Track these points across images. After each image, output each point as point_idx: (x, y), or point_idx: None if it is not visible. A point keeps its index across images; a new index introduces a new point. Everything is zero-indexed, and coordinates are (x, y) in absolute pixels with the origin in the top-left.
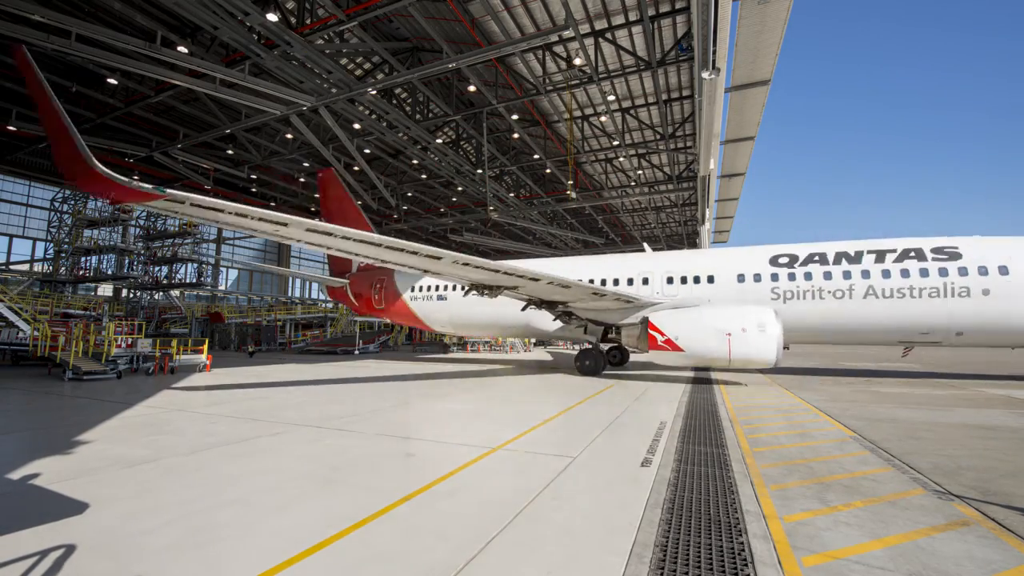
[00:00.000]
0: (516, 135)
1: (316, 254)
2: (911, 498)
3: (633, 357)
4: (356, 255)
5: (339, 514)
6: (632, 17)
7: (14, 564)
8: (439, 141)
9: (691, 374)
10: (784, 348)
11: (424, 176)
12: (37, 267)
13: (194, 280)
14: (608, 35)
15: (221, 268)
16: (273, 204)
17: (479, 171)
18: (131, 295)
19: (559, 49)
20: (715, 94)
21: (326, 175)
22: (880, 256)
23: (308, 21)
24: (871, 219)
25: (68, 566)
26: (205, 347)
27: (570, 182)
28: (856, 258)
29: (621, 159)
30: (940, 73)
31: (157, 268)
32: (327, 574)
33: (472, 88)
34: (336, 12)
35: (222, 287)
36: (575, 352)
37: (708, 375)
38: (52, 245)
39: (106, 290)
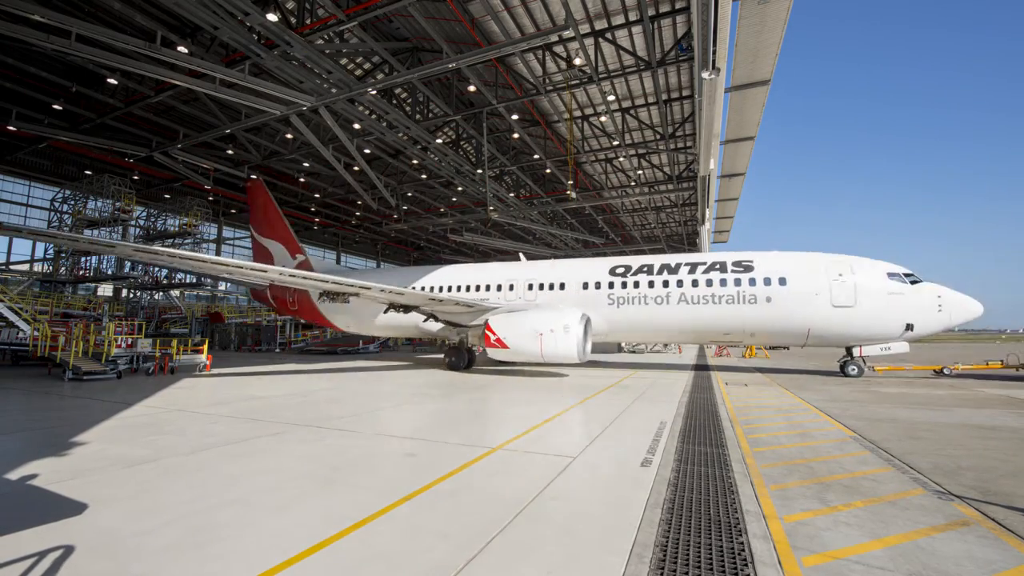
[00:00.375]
0: (516, 135)
1: (315, 255)
2: (911, 498)
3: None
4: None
5: (339, 514)
6: (632, 17)
7: (12, 565)
8: (439, 141)
9: (689, 376)
10: (624, 346)
11: (424, 176)
12: (37, 267)
13: (194, 280)
14: (608, 35)
15: None
16: None
17: (479, 171)
18: (131, 295)
19: (559, 49)
20: (715, 94)
21: (253, 185)
22: (692, 268)
23: (308, 21)
24: (871, 217)
25: (67, 567)
26: (205, 347)
27: (570, 182)
28: (675, 269)
29: (621, 159)
30: (940, 72)
31: (157, 268)
32: (327, 574)
33: (472, 88)
34: (336, 12)
35: (222, 287)
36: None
37: (709, 377)
38: (52, 245)
39: (106, 290)
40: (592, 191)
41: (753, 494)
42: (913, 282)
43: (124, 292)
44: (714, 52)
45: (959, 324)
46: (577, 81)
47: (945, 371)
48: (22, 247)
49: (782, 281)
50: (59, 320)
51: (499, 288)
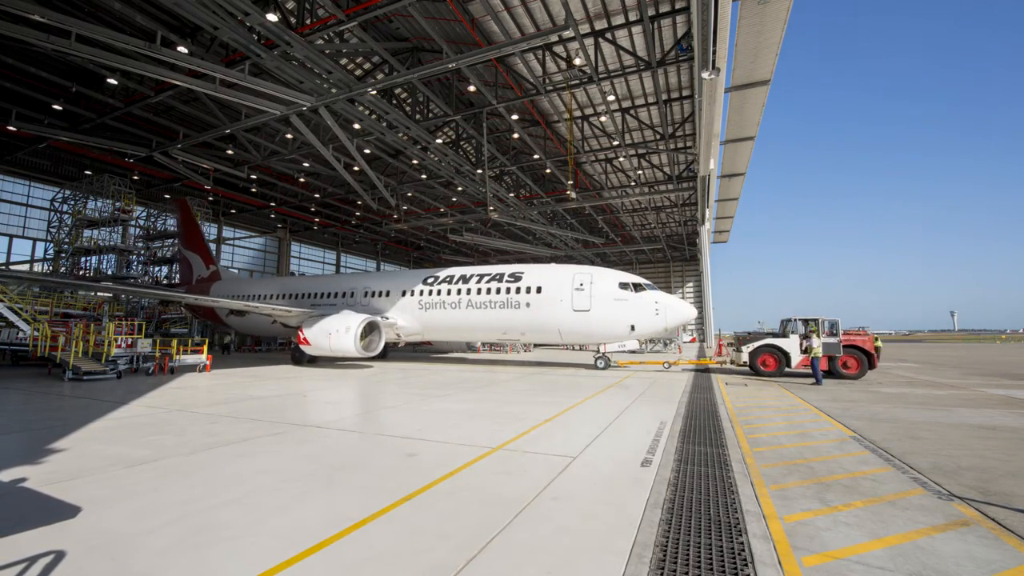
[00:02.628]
0: (516, 135)
1: (315, 255)
2: (911, 498)
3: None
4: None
5: (339, 514)
6: (632, 17)
7: (11, 567)
8: (439, 141)
9: (689, 376)
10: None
11: (424, 176)
12: (37, 267)
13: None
14: (608, 35)
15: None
16: (273, 204)
17: (479, 171)
18: (131, 295)
19: (559, 49)
20: (715, 94)
21: (180, 203)
22: (480, 278)
23: (308, 21)
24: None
25: (67, 567)
26: (205, 347)
27: (570, 182)
28: (468, 280)
29: (621, 159)
30: (941, 68)
31: (157, 268)
32: (327, 574)
33: (472, 88)
34: (336, 12)
35: None
36: (573, 351)
37: (709, 377)
38: (52, 245)
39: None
40: (592, 191)
41: (753, 494)
42: (638, 290)
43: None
44: (714, 52)
45: (673, 325)
46: (577, 81)
47: (665, 365)
48: (22, 247)
49: (539, 290)
50: (59, 320)
51: (343, 295)
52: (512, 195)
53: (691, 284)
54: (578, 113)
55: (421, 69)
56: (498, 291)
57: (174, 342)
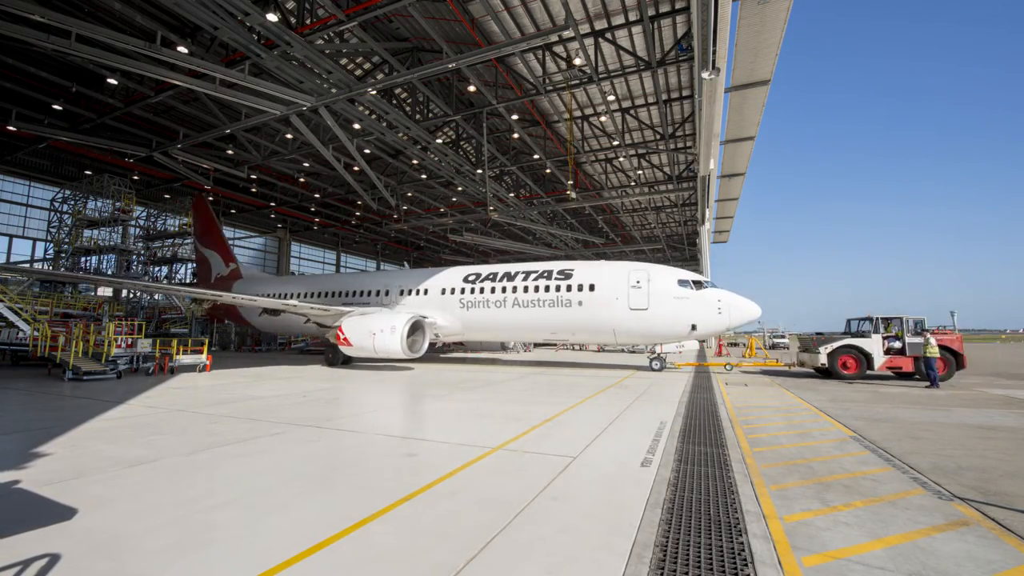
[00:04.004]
0: (516, 135)
1: (315, 255)
2: (911, 498)
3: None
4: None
5: (339, 514)
6: (632, 17)
7: (12, 568)
8: (439, 141)
9: (689, 376)
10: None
11: (424, 176)
12: (37, 267)
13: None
14: (608, 35)
15: None
16: (273, 204)
17: (479, 171)
18: (131, 295)
19: (559, 49)
20: (715, 94)
21: (198, 200)
22: (526, 276)
23: (308, 21)
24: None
25: (68, 567)
26: (205, 347)
27: (570, 182)
28: (513, 277)
29: (621, 159)
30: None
31: (157, 268)
32: (327, 574)
33: (472, 88)
34: (336, 12)
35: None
36: (574, 350)
37: (709, 377)
38: (52, 245)
39: (106, 290)
40: (592, 191)
41: (753, 494)
42: (699, 287)
43: (124, 292)
44: (714, 52)
45: (737, 324)
46: (577, 81)
47: (728, 367)
48: (22, 247)
49: (591, 288)
50: (59, 320)
51: (377, 293)
52: (512, 195)
53: None
54: (578, 113)
55: (421, 69)
56: (547, 289)
57: (174, 342)
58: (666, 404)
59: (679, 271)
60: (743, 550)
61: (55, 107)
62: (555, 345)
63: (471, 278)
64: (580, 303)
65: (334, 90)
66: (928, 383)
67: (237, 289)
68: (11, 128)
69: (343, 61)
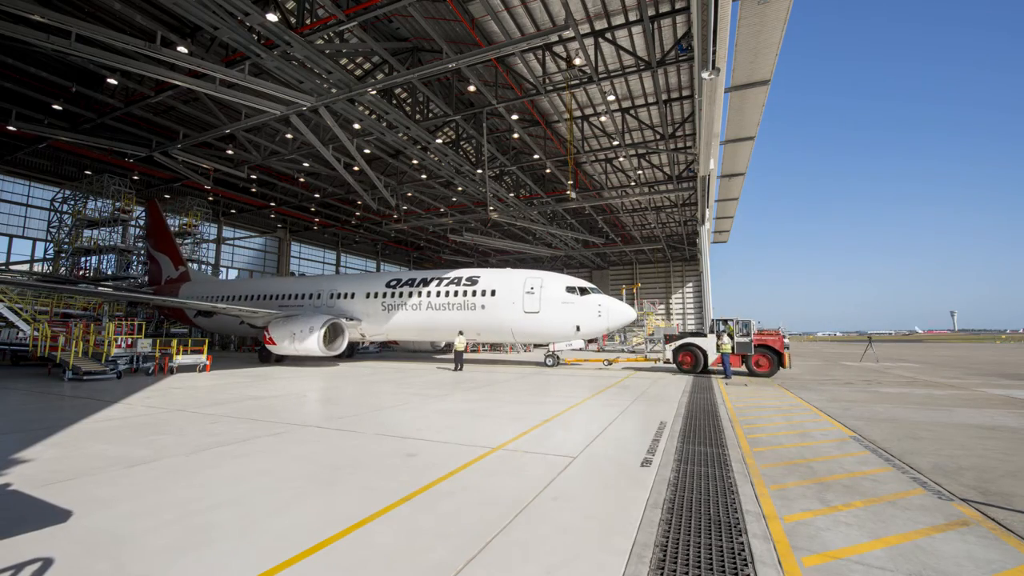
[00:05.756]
0: (516, 135)
1: (315, 255)
2: (911, 498)
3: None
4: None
5: (339, 514)
6: (632, 17)
7: (12, 568)
8: (439, 141)
9: (689, 376)
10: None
11: (424, 176)
12: (37, 267)
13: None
14: (608, 35)
15: (221, 268)
16: (273, 204)
17: (479, 171)
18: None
19: (559, 49)
20: (715, 94)
21: (150, 204)
22: (440, 282)
23: (308, 21)
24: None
25: (68, 566)
26: (205, 347)
27: (570, 182)
28: (428, 283)
29: (621, 159)
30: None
31: None
32: (327, 574)
33: (472, 88)
34: (336, 12)
35: None
36: (570, 351)
37: (709, 378)
38: (52, 245)
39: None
40: (592, 191)
41: (753, 494)
42: (583, 294)
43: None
44: (714, 52)
45: (616, 326)
46: (577, 81)
47: (606, 362)
48: (22, 247)
49: (493, 293)
50: (59, 320)
51: (309, 297)
52: (512, 195)
53: (691, 284)
54: (578, 113)
55: (421, 69)
56: (455, 294)
57: (174, 342)
58: (666, 404)
59: (568, 278)
60: (743, 550)
61: (55, 107)
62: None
63: (392, 283)
64: (483, 307)
65: (334, 90)
66: (724, 375)
67: (184, 291)
68: (11, 128)
69: (343, 61)
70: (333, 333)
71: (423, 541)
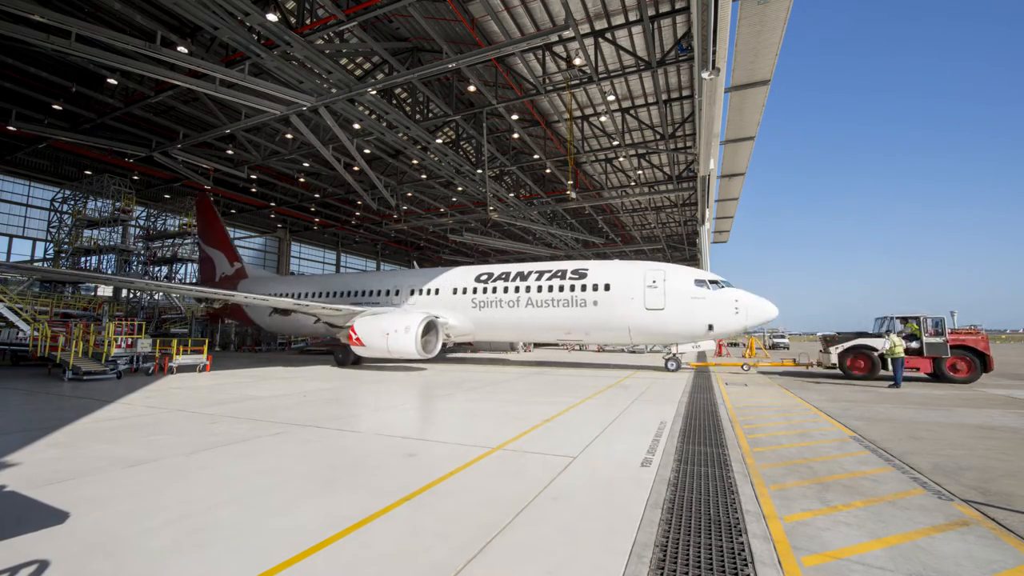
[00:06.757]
0: (516, 135)
1: (315, 255)
2: (911, 498)
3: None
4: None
5: (339, 514)
6: (632, 17)
7: (15, 568)
8: (439, 141)
9: (689, 376)
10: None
11: (424, 176)
12: (38, 267)
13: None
14: (608, 35)
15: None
16: (273, 204)
17: (479, 171)
18: (131, 295)
19: (559, 49)
20: (715, 94)
21: (202, 199)
22: (540, 276)
23: (308, 21)
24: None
25: (67, 566)
26: (205, 347)
27: (570, 182)
28: (526, 277)
29: (621, 159)
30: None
31: (157, 268)
32: (327, 574)
33: (472, 88)
34: (336, 12)
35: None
36: (569, 351)
37: (709, 377)
38: (52, 245)
39: (106, 290)
40: (592, 191)
41: (753, 494)
42: (715, 287)
43: (124, 292)
44: (714, 52)
45: (754, 324)
46: (577, 81)
47: (745, 367)
48: (22, 247)
49: (607, 287)
50: (59, 320)
51: (387, 293)
52: (512, 195)
53: None
54: (578, 113)
55: (421, 69)
56: (561, 288)
57: (174, 342)
58: (666, 404)
59: (696, 271)
60: (743, 550)
61: (55, 107)
62: (556, 345)
63: (483, 277)
64: (595, 303)
65: (334, 90)
66: (893, 383)
67: (243, 288)
68: (11, 128)
69: (343, 61)
70: (427, 332)
71: (423, 541)
